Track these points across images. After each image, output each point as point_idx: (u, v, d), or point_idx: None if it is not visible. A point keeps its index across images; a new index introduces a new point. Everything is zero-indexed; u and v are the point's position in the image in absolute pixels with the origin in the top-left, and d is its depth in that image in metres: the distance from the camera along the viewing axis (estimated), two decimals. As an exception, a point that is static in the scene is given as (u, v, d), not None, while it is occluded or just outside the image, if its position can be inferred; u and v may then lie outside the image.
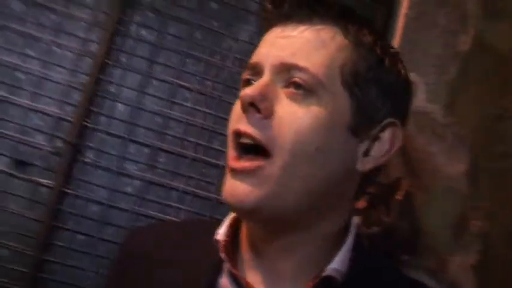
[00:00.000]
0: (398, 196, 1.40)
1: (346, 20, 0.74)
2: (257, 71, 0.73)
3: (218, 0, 1.55)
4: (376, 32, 0.76)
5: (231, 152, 0.72)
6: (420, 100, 1.46)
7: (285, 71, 0.70)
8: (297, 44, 0.71)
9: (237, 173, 0.69)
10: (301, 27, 0.72)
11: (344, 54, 0.71)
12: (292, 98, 0.69)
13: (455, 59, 1.48)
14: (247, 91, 0.68)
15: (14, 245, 1.33)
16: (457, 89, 1.46)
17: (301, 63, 0.69)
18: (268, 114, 0.68)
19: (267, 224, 0.72)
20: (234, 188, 0.69)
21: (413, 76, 1.47)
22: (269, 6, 0.75)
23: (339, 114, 0.69)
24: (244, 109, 0.69)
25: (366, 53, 0.73)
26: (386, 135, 0.74)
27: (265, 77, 0.70)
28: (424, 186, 1.42)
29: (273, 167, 0.67)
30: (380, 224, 1.39)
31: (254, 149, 0.69)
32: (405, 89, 0.79)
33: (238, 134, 0.70)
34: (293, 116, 0.67)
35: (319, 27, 0.72)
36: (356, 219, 0.81)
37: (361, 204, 1.39)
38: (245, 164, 0.69)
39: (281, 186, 0.67)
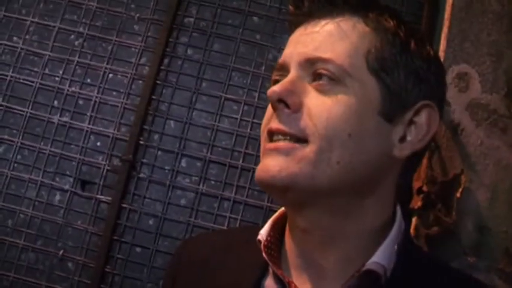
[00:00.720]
0: (458, 194, 1.32)
1: (366, 8, 0.74)
2: (284, 70, 0.74)
3: (259, 14, 1.59)
4: (399, 16, 0.76)
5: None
6: (475, 91, 1.38)
7: (310, 65, 0.70)
8: (319, 38, 0.71)
9: (271, 151, 0.69)
10: (322, 22, 0.73)
11: (367, 41, 0.71)
12: (320, 89, 0.69)
13: (513, 45, 1.39)
14: (274, 88, 0.70)
15: (78, 258, 1.42)
16: (518, 76, 1.36)
17: (325, 55, 0.69)
18: (298, 108, 0.69)
19: (300, 206, 0.71)
20: (266, 164, 0.68)
21: (465, 67, 1.41)
22: (291, 8, 0.77)
23: (369, 100, 0.69)
24: (274, 106, 0.70)
25: (389, 37, 0.72)
26: (422, 119, 0.72)
27: (292, 74, 0.71)
28: (487, 182, 1.33)
29: (308, 150, 0.67)
30: (440, 224, 1.31)
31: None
32: (435, 71, 0.76)
33: (271, 133, 0.71)
34: (322, 107, 0.67)
35: (339, 19, 0.73)
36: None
37: (417, 203, 1.33)
38: (279, 143, 0.69)
39: (315, 168, 0.66)
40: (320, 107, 0.67)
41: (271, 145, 0.69)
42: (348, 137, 0.67)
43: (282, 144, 0.68)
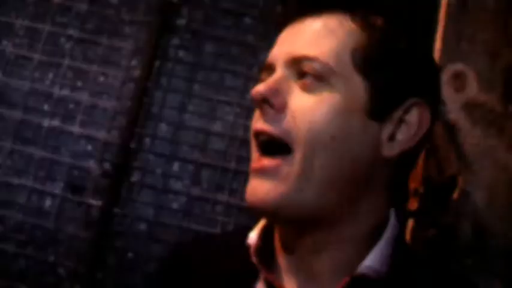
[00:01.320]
0: (455, 195, 1.30)
1: (354, 6, 0.72)
2: (271, 70, 0.73)
3: (252, 15, 1.57)
4: (388, 14, 0.74)
5: (254, 154, 0.71)
6: (472, 91, 1.36)
7: (296, 64, 0.69)
8: (305, 37, 0.70)
9: (257, 172, 0.69)
10: (309, 20, 0.72)
11: (354, 38, 0.69)
12: (305, 88, 0.68)
13: (510, 43, 1.37)
14: (258, 88, 0.68)
15: (69, 264, 1.40)
16: (515, 75, 1.34)
17: (311, 53, 0.68)
18: (282, 108, 0.67)
19: (293, 223, 0.70)
20: (254, 188, 0.68)
21: (461, 66, 1.39)
22: (279, 7, 0.76)
23: (354, 99, 0.67)
24: (258, 107, 0.69)
25: (377, 35, 0.70)
26: (412, 117, 0.70)
27: (277, 73, 0.70)
28: (484, 182, 1.31)
29: (292, 163, 0.66)
30: (437, 226, 1.29)
31: (275, 147, 0.68)
32: (426, 68, 0.75)
33: (256, 133, 0.70)
34: (306, 106, 0.66)
35: (326, 16, 0.71)
36: (395, 215, 0.76)
37: (414, 205, 1.31)
38: (264, 162, 0.68)
39: (301, 181, 0.65)
40: (304, 106, 0.66)
41: (257, 165, 0.68)
42: (330, 139, 0.65)
43: (267, 163, 0.67)
